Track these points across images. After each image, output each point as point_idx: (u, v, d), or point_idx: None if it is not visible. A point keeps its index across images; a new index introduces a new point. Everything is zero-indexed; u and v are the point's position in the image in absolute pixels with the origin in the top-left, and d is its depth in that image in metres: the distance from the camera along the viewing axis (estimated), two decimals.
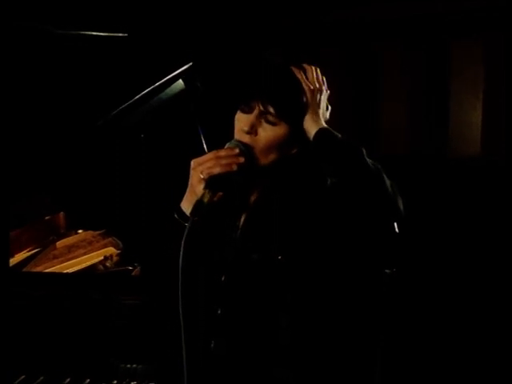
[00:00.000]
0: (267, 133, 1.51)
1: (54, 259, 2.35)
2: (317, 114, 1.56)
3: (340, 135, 1.54)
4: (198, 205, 1.41)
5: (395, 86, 3.75)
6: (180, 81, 1.83)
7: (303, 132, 1.55)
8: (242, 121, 1.54)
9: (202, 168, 1.46)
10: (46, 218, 2.66)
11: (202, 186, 1.44)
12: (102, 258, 2.34)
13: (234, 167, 1.45)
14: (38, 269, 2.23)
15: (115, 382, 1.74)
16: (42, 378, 1.78)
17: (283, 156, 1.56)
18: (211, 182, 1.44)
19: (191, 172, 1.49)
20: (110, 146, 2.32)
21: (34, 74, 2.29)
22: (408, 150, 3.73)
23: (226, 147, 1.51)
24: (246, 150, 1.49)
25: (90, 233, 2.57)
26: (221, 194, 1.45)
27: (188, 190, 1.51)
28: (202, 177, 1.44)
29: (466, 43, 3.57)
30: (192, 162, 1.49)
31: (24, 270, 2.24)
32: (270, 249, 1.53)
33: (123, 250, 2.43)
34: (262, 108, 1.50)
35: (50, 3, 2.54)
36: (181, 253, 1.37)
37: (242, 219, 1.61)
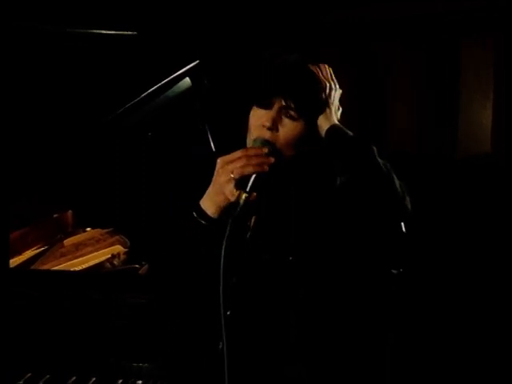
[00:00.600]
0: (288, 128, 1.50)
1: (61, 257, 2.35)
2: (330, 111, 1.57)
3: (351, 133, 1.55)
4: (235, 206, 1.36)
5: (404, 85, 3.73)
6: (187, 79, 1.82)
7: (316, 129, 1.55)
8: (261, 116, 1.51)
9: (231, 167, 1.39)
10: (54, 216, 2.67)
11: (231, 186, 1.38)
12: (110, 256, 2.34)
13: (266, 168, 1.40)
14: (45, 267, 2.23)
15: (120, 381, 1.74)
16: (47, 376, 1.78)
17: (296, 153, 1.54)
18: (243, 183, 1.38)
19: (218, 171, 1.42)
20: (117, 144, 2.31)
21: (39, 72, 2.29)
22: (416, 149, 3.71)
23: (251, 146, 1.48)
24: (272, 148, 1.46)
25: (97, 231, 2.58)
26: (255, 194, 1.39)
27: (212, 188, 1.43)
28: (232, 176, 1.38)
29: (476, 42, 3.54)
30: (219, 161, 1.42)
31: (31, 267, 2.25)
32: (282, 249, 1.52)
33: (131, 248, 2.43)
34: (283, 103, 1.49)
35: (59, 2, 2.55)
36: (222, 257, 1.32)
37: (253, 219, 1.57)
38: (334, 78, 1.62)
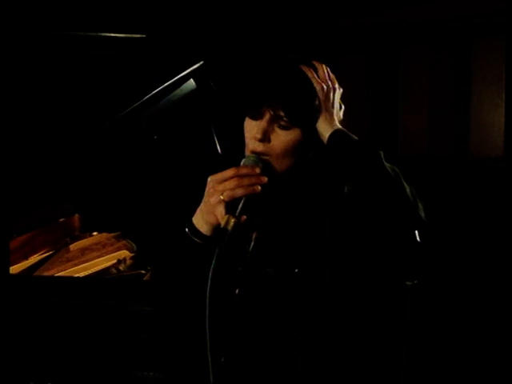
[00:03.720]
0: (281, 138, 1.44)
1: (67, 262, 2.33)
2: (330, 114, 1.48)
3: (356, 137, 1.46)
4: (224, 233, 1.29)
5: (415, 87, 3.70)
6: (191, 81, 1.79)
7: (317, 134, 1.48)
8: (253, 128, 1.45)
9: (222, 188, 1.33)
10: (61, 220, 2.65)
11: (221, 208, 1.32)
12: (116, 261, 2.31)
13: (258, 188, 1.34)
14: (51, 272, 2.21)
15: None
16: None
17: (298, 162, 1.48)
18: (233, 206, 1.32)
19: (209, 190, 1.36)
20: (123, 147, 2.29)
21: (47, 75, 2.28)
22: (429, 150, 3.67)
23: (244, 163, 1.41)
24: (264, 164, 1.41)
25: (104, 235, 2.55)
26: (245, 217, 1.32)
27: (203, 207, 1.37)
28: (222, 198, 1.32)
29: (488, 44, 3.50)
30: (210, 180, 1.37)
31: (37, 272, 2.23)
32: (286, 262, 1.45)
33: (137, 253, 2.40)
34: (272, 113, 1.42)
35: (69, 5, 2.53)
36: (208, 285, 1.26)
37: (256, 231, 1.50)
38: (332, 77, 1.52)
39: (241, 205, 1.32)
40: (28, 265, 2.31)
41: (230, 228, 1.29)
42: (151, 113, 1.90)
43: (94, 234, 2.63)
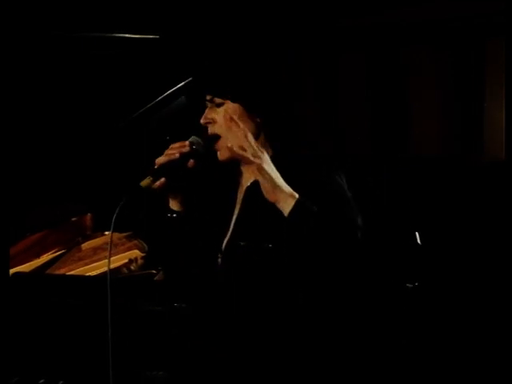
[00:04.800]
0: (220, 114, 1.71)
1: (78, 261, 2.34)
2: (259, 167, 1.59)
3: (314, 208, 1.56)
4: (137, 189, 1.64)
5: (428, 87, 3.67)
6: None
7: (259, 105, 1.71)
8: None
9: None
10: (73, 219, 2.66)
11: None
12: (127, 260, 2.32)
13: (177, 155, 1.68)
14: (63, 270, 2.22)
15: None
16: (61, 382, 1.76)
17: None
18: (156, 170, 1.69)
19: None
20: (135, 147, 2.29)
21: (57, 76, 2.29)
22: (441, 151, 3.64)
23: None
24: (207, 139, 1.72)
25: (115, 235, 2.55)
26: (163, 180, 1.68)
27: None
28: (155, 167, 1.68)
29: (501, 43, 3.47)
30: None
31: (49, 270, 2.24)
32: (259, 237, 1.65)
33: (148, 253, 2.41)
34: (207, 98, 1.72)
35: (83, 6, 2.55)
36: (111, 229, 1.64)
37: (238, 207, 1.78)
38: (228, 117, 1.68)
39: (156, 167, 1.69)
40: (40, 263, 2.33)
41: (142, 185, 1.65)
42: (164, 113, 1.90)
43: (106, 233, 2.64)
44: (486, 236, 3.19)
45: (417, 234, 1.41)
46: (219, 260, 1.77)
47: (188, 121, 1.90)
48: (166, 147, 1.81)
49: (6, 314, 1.82)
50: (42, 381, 1.77)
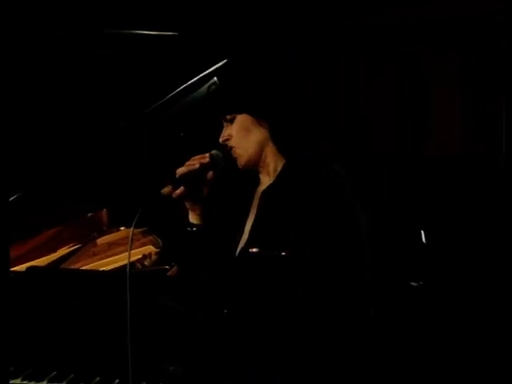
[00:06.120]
0: (233, 129, 1.82)
1: (93, 256, 2.35)
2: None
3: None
4: (158, 197, 1.73)
5: (448, 86, 3.64)
6: (215, 79, 1.81)
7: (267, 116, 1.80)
8: None
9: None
10: (89, 215, 2.69)
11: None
12: (141, 256, 2.33)
13: (197, 165, 1.76)
14: (77, 265, 2.24)
15: (144, 383, 1.73)
16: (71, 375, 1.77)
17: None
18: (176, 179, 1.76)
19: None
20: (149, 143, 2.30)
21: (74, 71, 2.31)
22: (461, 151, 3.61)
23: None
24: (226, 153, 1.81)
25: (131, 230, 2.56)
26: (182, 189, 1.76)
27: None
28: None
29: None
30: None
31: (64, 265, 2.26)
32: (276, 245, 1.66)
33: (163, 249, 2.41)
34: (223, 120, 1.85)
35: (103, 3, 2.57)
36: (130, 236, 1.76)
37: (253, 213, 1.84)
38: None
39: (177, 177, 1.76)
40: (55, 258, 2.35)
41: (163, 192, 1.73)
42: (176, 110, 1.91)
43: (122, 229, 2.66)
44: (495, 235, 3.16)
45: (422, 232, 1.40)
46: (232, 267, 1.80)
47: (201, 119, 1.92)
48: (180, 143, 1.83)
49: (20, 307, 1.85)
50: (54, 373, 1.79)
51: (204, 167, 1.78)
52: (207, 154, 1.79)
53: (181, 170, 1.77)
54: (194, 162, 1.77)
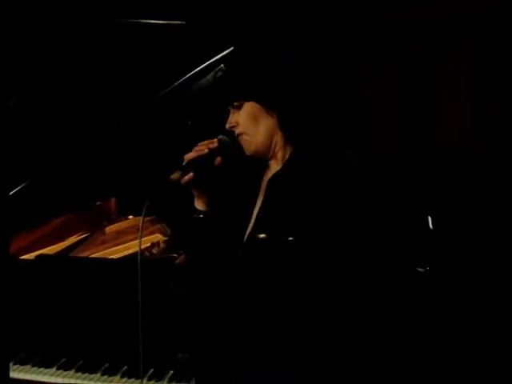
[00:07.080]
0: (240, 115, 1.80)
1: (102, 244, 2.36)
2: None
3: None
4: (168, 182, 1.70)
5: (448, 86, 3.63)
6: (221, 66, 1.81)
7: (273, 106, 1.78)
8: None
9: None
10: (98, 203, 2.70)
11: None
12: (149, 244, 2.34)
13: (205, 151, 1.76)
14: (86, 253, 2.25)
15: (152, 370, 1.74)
16: (80, 361, 1.79)
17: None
18: (184, 165, 1.75)
19: None
20: (157, 132, 2.30)
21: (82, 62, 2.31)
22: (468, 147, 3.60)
23: None
24: (233, 138, 1.79)
25: (138, 219, 2.58)
26: (191, 174, 1.76)
27: None
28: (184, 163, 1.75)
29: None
30: None
31: (73, 253, 2.28)
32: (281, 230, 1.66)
33: (171, 237, 2.42)
34: (229, 106, 1.81)
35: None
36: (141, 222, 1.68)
37: (260, 200, 1.83)
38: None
39: (185, 162, 1.76)
40: (64, 246, 2.36)
41: (172, 178, 1.72)
42: (183, 97, 1.91)
43: (130, 217, 2.67)
44: (495, 235, 3.15)
45: (429, 218, 1.39)
46: (239, 253, 1.79)
47: (208, 105, 1.92)
48: (188, 131, 1.83)
49: (29, 295, 1.86)
50: (63, 360, 1.80)
51: (212, 152, 1.77)
52: (215, 139, 1.79)
53: (189, 155, 1.77)
54: (203, 147, 1.77)
